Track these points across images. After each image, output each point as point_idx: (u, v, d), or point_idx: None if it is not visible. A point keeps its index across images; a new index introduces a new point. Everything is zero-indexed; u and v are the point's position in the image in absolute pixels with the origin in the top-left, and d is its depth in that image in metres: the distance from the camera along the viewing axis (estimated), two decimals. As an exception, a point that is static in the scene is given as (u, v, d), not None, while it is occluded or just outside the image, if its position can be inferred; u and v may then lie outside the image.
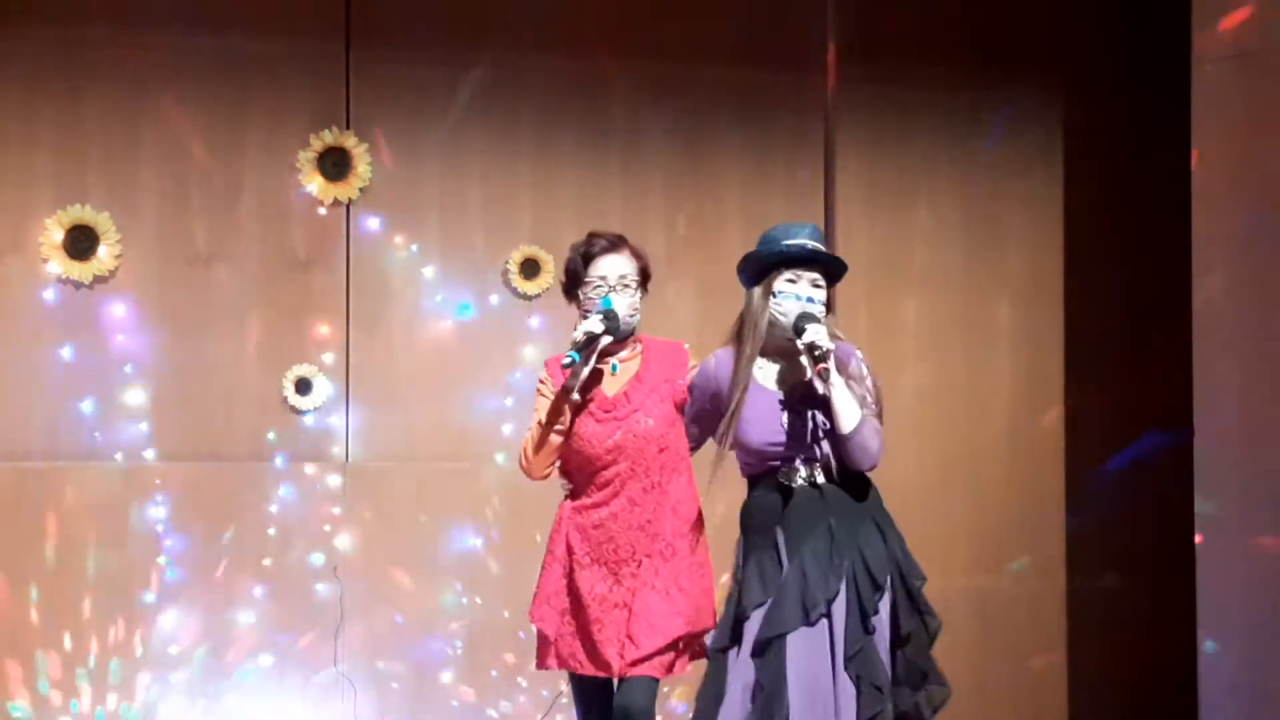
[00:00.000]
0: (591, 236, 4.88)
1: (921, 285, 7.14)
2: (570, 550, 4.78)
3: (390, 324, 6.62)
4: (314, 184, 6.54)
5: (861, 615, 4.60)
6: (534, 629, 4.83)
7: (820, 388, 4.60)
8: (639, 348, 4.84)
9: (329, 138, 6.54)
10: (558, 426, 4.73)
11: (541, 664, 4.87)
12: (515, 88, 6.75)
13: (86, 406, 6.33)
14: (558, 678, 6.57)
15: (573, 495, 4.84)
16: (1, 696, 6.18)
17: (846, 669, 4.54)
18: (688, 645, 4.77)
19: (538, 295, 6.73)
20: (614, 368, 4.77)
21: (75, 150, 6.37)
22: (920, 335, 7.12)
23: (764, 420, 4.65)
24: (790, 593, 4.56)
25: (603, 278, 4.78)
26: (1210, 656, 6.35)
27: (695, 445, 4.85)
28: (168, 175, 6.44)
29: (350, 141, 6.56)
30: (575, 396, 4.71)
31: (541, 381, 4.82)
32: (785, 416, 4.67)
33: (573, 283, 4.85)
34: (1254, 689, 6.24)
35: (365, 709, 6.46)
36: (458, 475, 6.63)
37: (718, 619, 4.72)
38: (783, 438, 4.65)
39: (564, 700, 6.62)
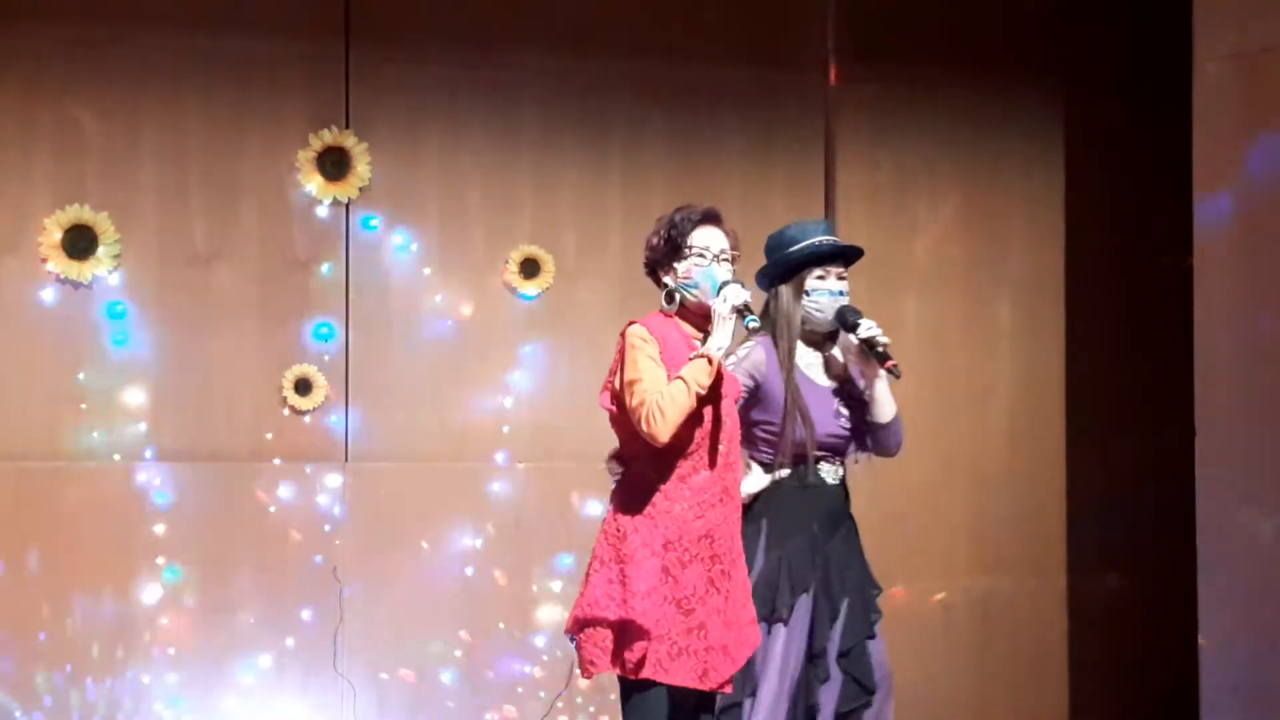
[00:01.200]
0: (686, 208, 4.57)
1: (922, 284, 7.13)
2: (668, 545, 4.34)
3: (390, 324, 6.62)
4: (313, 184, 6.53)
5: (864, 613, 4.77)
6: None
7: (870, 380, 4.82)
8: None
9: (328, 137, 6.53)
10: (701, 393, 4.31)
11: (638, 669, 4.29)
12: (515, 88, 6.75)
13: (85, 407, 6.31)
14: (557, 680, 6.58)
15: (660, 483, 4.37)
16: (1, 696, 6.17)
17: (838, 662, 4.73)
18: None
19: (537, 295, 6.72)
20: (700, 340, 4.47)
21: (74, 150, 6.35)
22: (921, 335, 7.12)
23: (821, 414, 4.77)
24: (819, 588, 4.74)
25: (705, 248, 4.47)
26: (1212, 656, 6.34)
27: None
28: (167, 175, 6.43)
29: (350, 141, 6.55)
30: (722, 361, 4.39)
31: (644, 340, 4.38)
32: (837, 408, 4.82)
33: (672, 251, 4.50)
34: (1256, 689, 6.24)
35: (364, 710, 6.45)
36: (457, 475, 6.62)
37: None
38: (836, 429, 4.80)
39: (559, 704, 6.61)
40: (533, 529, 6.65)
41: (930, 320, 7.14)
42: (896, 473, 6.98)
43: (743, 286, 4.45)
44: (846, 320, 4.78)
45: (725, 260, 4.50)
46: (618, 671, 4.33)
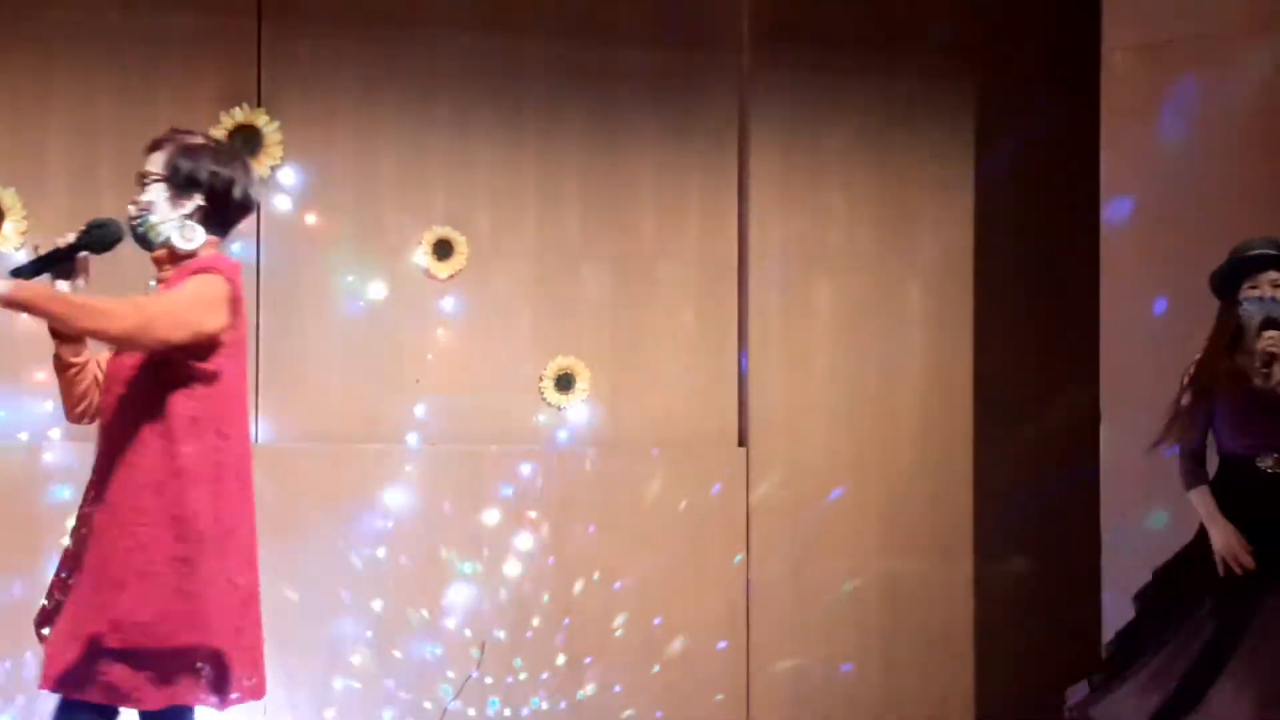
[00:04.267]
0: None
1: (834, 269, 7.16)
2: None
3: (301, 304, 6.57)
4: (225, 162, 6.47)
5: None
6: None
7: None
8: (171, 271, 4.10)
9: (240, 115, 6.48)
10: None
11: None
12: (429, 67, 6.72)
13: (-9, 385, 6.24)
14: (466, 660, 6.57)
15: None
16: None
17: None
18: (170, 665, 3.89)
19: (450, 276, 6.70)
20: (151, 286, 4.14)
21: (-20, 125, 6.28)
22: (833, 318, 7.15)
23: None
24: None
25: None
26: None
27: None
28: (76, 151, 6.35)
29: (261, 119, 6.50)
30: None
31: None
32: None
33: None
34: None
35: (274, 691, 6.39)
36: (368, 456, 6.59)
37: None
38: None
39: (484, 680, 6.60)
40: (444, 509, 6.64)
41: (842, 305, 7.17)
42: (809, 456, 7.06)
43: (84, 228, 4.16)
44: (1260, 327, 5.20)
45: (145, 186, 4.15)
46: None
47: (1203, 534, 5.41)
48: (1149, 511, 6.42)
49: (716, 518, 6.93)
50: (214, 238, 4.14)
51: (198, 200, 4.10)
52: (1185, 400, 5.38)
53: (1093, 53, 6.62)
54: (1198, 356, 5.41)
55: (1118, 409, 6.54)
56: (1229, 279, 5.35)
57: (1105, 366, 6.62)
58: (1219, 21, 6.38)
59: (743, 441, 7.02)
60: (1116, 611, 6.40)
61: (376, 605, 6.54)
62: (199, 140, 4.16)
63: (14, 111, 6.29)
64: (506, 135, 6.78)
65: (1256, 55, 6.32)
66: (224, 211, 4.12)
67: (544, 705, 6.66)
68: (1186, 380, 5.39)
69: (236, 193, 4.11)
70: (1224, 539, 5.25)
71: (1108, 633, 6.44)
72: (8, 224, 6.23)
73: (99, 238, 4.14)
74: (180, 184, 4.10)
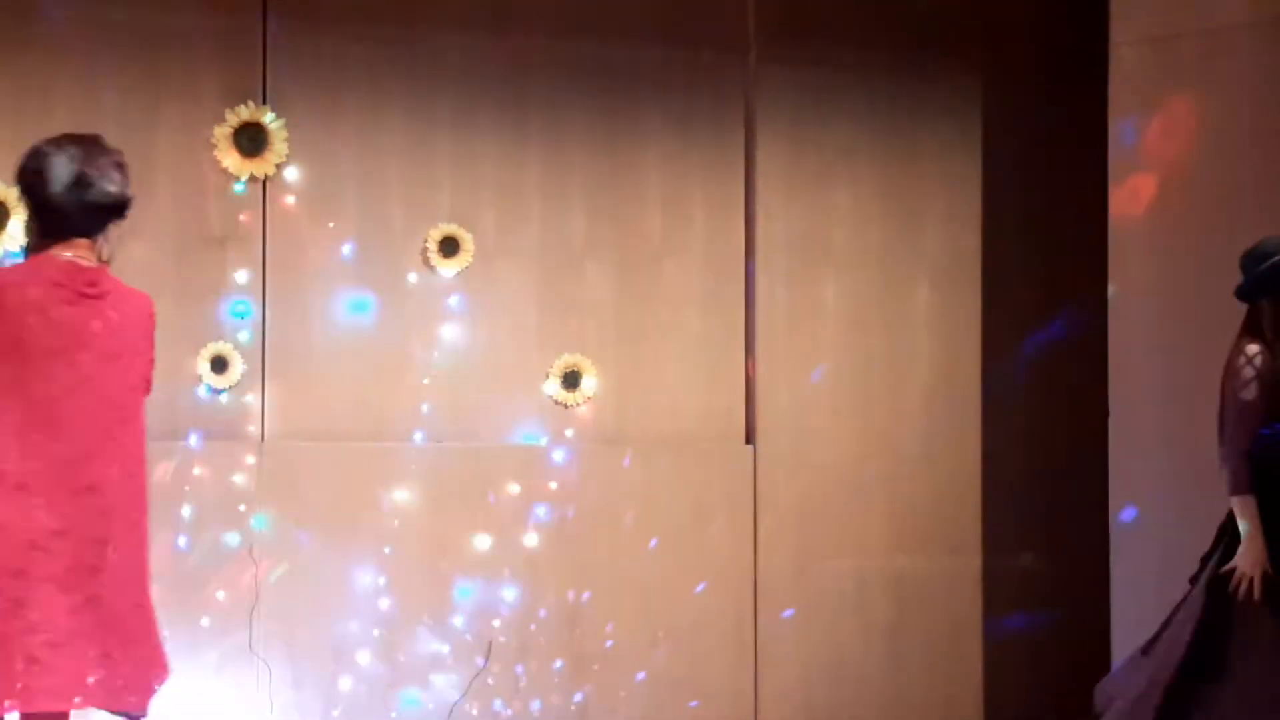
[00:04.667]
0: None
1: (841, 266, 7.16)
2: None
3: (307, 302, 6.57)
4: (230, 160, 6.47)
5: None
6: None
7: None
8: None
9: (245, 113, 6.48)
10: None
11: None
12: (434, 65, 6.72)
13: (-3, 384, 6.23)
14: (473, 660, 6.57)
15: None
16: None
17: None
18: None
19: (456, 274, 6.70)
20: None
21: (-16, 124, 6.27)
22: (840, 316, 7.15)
23: None
24: None
25: None
26: (1122, 636, 6.42)
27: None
28: (80, 150, 6.35)
29: (266, 117, 6.50)
30: None
31: None
32: None
33: None
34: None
35: (280, 689, 6.42)
36: (374, 454, 6.59)
37: None
38: None
39: (490, 681, 6.61)
40: (449, 509, 6.64)
41: (849, 302, 7.17)
42: (815, 453, 7.06)
43: None
44: None
45: None
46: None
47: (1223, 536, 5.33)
48: (1157, 506, 6.42)
49: (723, 515, 6.93)
50: (46, 240, 4.16)
51: (27, 206, 4.14)
52: (1249, 396, 5.19)
53: (1099, 48, 6.61)
54: (1256, 351, 5.23)
55: (1125, 404, 6.53)
56: (1269, 280, 5.26)
57: (1113, 360, 6.61)
58: (1226, 16, 6.37)
59: (750, 439, 7.02)
60: (1125, 607, 6.41)
61: (383, 604, 6.54)
62: (38, 145, 4.14)
63: (16, 111, 6.28)
64: (512, 132, 6.78)
65: (1264, 49, 6.31)
66: (36, 210, 4.14)
67: (551, 703, 6.66)
68: (1250, 375, 5.22)
69: (38, 189, 4.11)
70: (1258, 558, 5.17)
71: (1116, 628, 6.45)
72: (13, 222, 6.23)
73: (24, 250, 4.21)
74: (19, 193, 4.15)
